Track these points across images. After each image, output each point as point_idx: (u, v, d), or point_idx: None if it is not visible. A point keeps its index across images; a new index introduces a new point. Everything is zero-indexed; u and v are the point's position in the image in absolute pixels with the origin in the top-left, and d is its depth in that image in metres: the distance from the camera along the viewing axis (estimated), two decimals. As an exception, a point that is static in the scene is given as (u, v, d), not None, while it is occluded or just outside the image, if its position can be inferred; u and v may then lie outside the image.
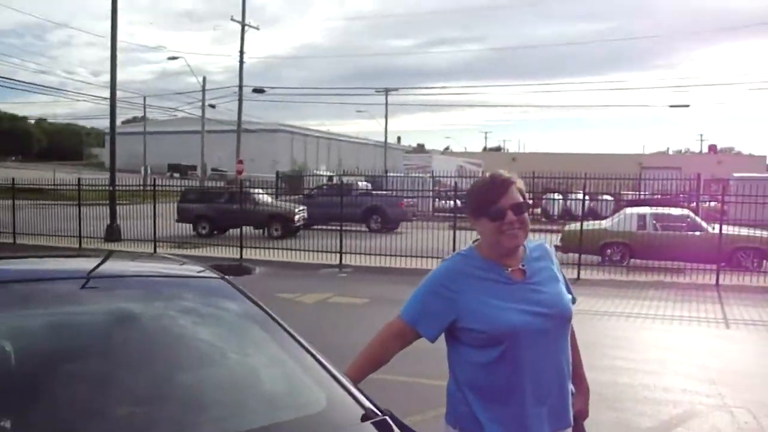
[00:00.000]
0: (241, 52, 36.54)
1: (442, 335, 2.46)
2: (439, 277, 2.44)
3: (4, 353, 2.13)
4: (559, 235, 17.04)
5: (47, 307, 2.39)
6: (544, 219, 27.78)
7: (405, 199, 25.58)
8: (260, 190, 23.65)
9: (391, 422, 2.03)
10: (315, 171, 47.84)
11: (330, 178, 35.47)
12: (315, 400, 2.12)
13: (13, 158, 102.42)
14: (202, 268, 2.85)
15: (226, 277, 2.73)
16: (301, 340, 2.35)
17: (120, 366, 2.22)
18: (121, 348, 2.32)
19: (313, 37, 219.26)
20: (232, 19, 36.44)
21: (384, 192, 27.24)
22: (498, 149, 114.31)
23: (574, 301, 2.52)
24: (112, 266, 2.93)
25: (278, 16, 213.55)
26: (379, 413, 2.05)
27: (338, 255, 16.77)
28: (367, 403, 2.08)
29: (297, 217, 22.30)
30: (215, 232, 22.36)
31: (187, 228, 22.32)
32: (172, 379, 2.22)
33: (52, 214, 21.48)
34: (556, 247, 16.00)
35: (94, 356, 2.26)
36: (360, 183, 29.02)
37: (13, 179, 22.15)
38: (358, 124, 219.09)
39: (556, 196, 28.16)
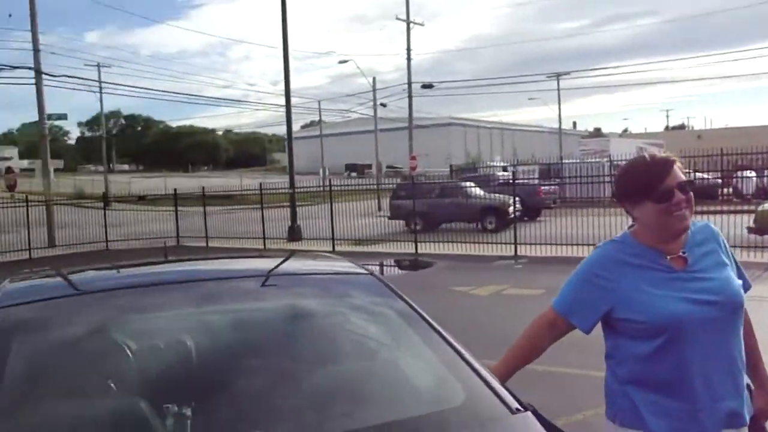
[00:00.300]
0: (408, 50, 36.99)
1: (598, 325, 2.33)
2: (592, 265, 2.32)
3: (185, 347, 2.31)
4: (752, 216, 15.75)
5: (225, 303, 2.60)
6: (735, 199, 25.87)
7: (543, 187, 24.73)
8: (472, 183, 23.26)
9: (533, 417, 1.96)
10: (489, 162, 47.52)
11: (504, 168, 35.05)
12: (455, 394, 2.10)
13: (205, 168, 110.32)
14: (352, 265, 2.92)
15: (375, 273, 2.77)
16: (444, 334, 2.34)
17: (275, 358, 2.34)
18: (276, 341, 2.45)
19: (481, 28, 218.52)
20: (397, 19, 36.99)
21: (522, 180, 26.36)
22: (682, 127, 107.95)
23: (747, 288, 2.30)
24: (262, 264, 3.07)
25: (443, 11, 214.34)
26: (521, 408, 1.98)
27: (513, 246, 16.55)
28: (509, 398, 2.02)
29: (511, 209, 21.04)
30: (427, 227, 21.24)
31: (384, 225, 22.65)
32: (320, 370, 2.29)
33: (239, 218, 22.83)
34: (749, 229, 14.83)
35: (252, 349, 2.39)
36: (498, 172, 28.45)
37: (203, 188, 23.78)
38: (531, 111, 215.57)
39: (749, 173, 26.09)
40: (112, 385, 2.15)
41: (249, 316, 2.59)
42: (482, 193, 22.32)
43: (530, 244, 16.49)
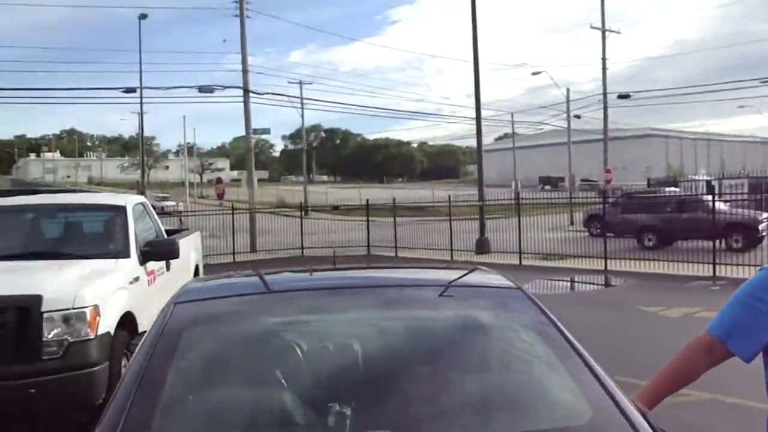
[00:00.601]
0: (603, 59, 35.86)
1: None
2: (754, 287, 2.18)
3: (352, 349, 2.46)
4: None
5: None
6: None
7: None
8: (715, 197, 21.47)
9: None
10: (691, 176, 44.86)
11: (708, 182, 32.91)
12: (581, 412, 2.07)
13: (400, 179, 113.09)
14: (502, 278, 2.97)
15: (523, 287, 2.78)
16: (581, 351, 2.30)
17: (419, 366, 2.42)
18: (423, 349, 2.53)
19: (685, 32, 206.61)
20: (592, 27, 35.98)
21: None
22: None
23: None
24: (415, 275, 3.19)
25: (644, 16, 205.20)
26: None
27: (711, 266, 15.50)
28: (639, 422, 1.95)
29: (762, 225, 18.92)
30: (660, 244, 19.91)
31: (574, 240, 21.99)
32: (457, 379, 2.34)
33: (428, 229, 23.16)
34: None
35: (404, 356, 2.50)
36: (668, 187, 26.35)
37: (394, 199, 24.41)
38: (742, 120, 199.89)
39: None
40: (280, 378, 2.31)
41: (402, 325, 2.73)
42: (726, 207, 19.62)
43: (731, 264, 15.30)
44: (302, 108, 46.96)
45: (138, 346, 2.39)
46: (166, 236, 8.58)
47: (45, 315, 5.21)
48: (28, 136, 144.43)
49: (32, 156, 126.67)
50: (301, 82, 49.09)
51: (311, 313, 2.71)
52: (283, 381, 2.30)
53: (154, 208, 9.26)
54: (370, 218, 24.42)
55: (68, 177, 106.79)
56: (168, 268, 7.83)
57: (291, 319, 2.68)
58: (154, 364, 2.21)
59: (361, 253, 22.44)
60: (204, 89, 28.16)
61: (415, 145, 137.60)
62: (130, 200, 7.91)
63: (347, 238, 24.18)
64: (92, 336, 5.35)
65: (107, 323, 5.58)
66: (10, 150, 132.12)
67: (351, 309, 2.75)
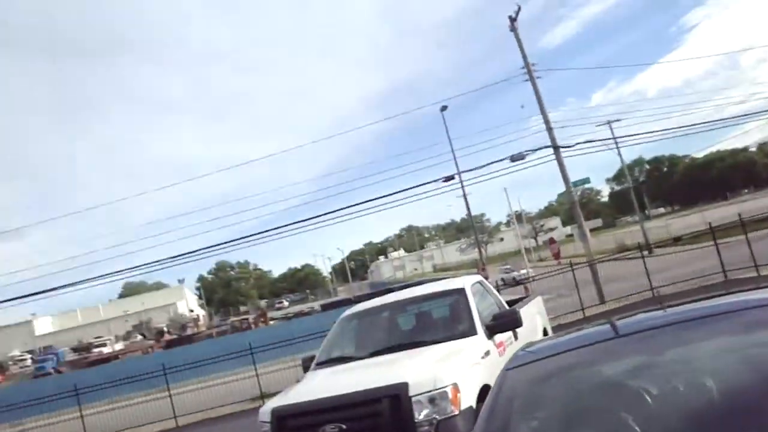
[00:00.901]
0: None
1: None
2: None
3: (701, 388, 2.45)
4: None
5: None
6: None
7: None
8: None
9: None
10: None
11: None
12: None
13: (746, 191, 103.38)
14: None
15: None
16: None
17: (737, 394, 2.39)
18: (737, 378, 2.47)
19: None
20: None
21: None
22: None
23: None
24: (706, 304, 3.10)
25: None
26: None
27: None
28: None
29: None
30: None
31: None
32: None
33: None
34: None
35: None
36: None
37: (740, 214, 22.52)
38: None
39: None
40: (624, 422, 2.37)
41: (721, 353, 2.66)
42: None
43: None
44: (617, 147, 45.69)
45: (479, 414, 2.66)
46: (507, 307, 8.96)
47: (413, 399, 5.84)
48: (374, 241, 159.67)
49: (381, 258, 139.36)
50: (609, 122, 47.97)
51: (629, 356, 2.75)
52: (629, 423, 2.34)
53: (505, 281, 9.71)
54: (718, 241, 22.68)
55: (415, 270, 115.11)
56: (516, 337, 8.14)
57: (617, 366, 2.72)
58: (492, 429, 2.45)
59: (717, 281, 20.86)
60: (515, 158, 28.84)
61: (754, 149, 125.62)
62: (467, 281, 8.46)
63: (698, 268, 22.62)
64: (456, 412, 5.82)
65: (468, 398, 6.01)
66: (362, 257, 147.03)
67: (652, 351, 2.73)
